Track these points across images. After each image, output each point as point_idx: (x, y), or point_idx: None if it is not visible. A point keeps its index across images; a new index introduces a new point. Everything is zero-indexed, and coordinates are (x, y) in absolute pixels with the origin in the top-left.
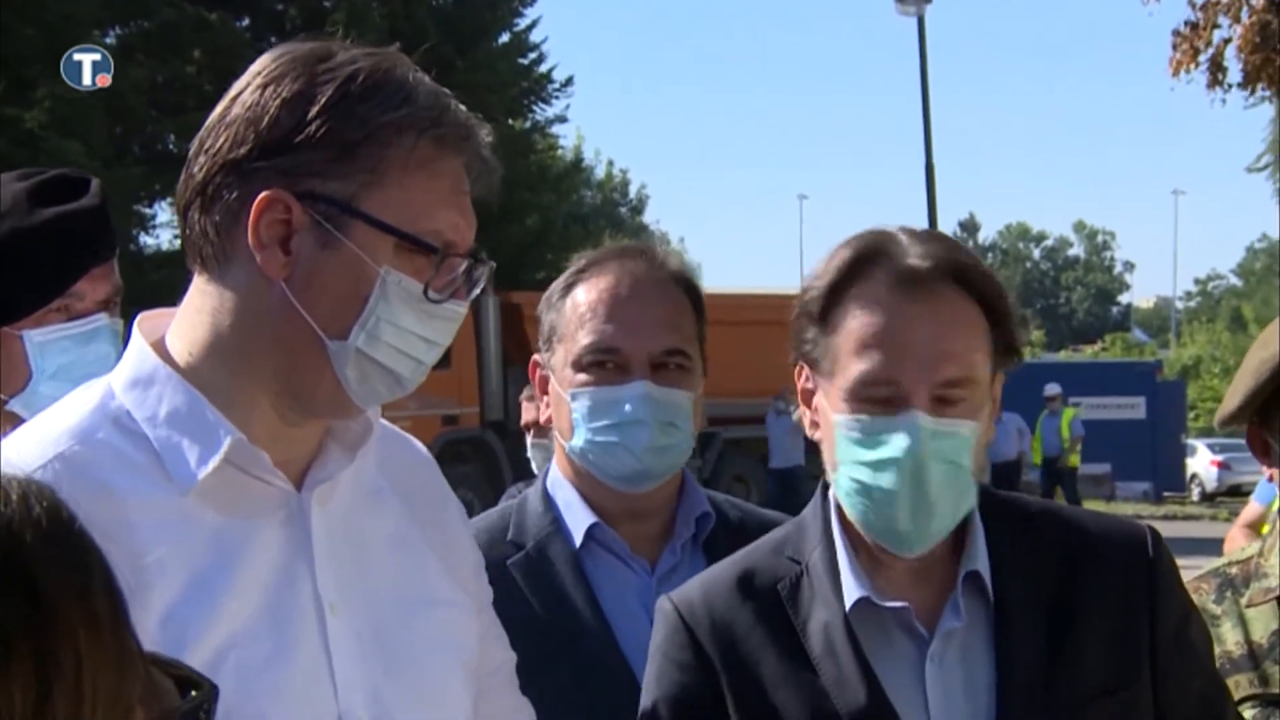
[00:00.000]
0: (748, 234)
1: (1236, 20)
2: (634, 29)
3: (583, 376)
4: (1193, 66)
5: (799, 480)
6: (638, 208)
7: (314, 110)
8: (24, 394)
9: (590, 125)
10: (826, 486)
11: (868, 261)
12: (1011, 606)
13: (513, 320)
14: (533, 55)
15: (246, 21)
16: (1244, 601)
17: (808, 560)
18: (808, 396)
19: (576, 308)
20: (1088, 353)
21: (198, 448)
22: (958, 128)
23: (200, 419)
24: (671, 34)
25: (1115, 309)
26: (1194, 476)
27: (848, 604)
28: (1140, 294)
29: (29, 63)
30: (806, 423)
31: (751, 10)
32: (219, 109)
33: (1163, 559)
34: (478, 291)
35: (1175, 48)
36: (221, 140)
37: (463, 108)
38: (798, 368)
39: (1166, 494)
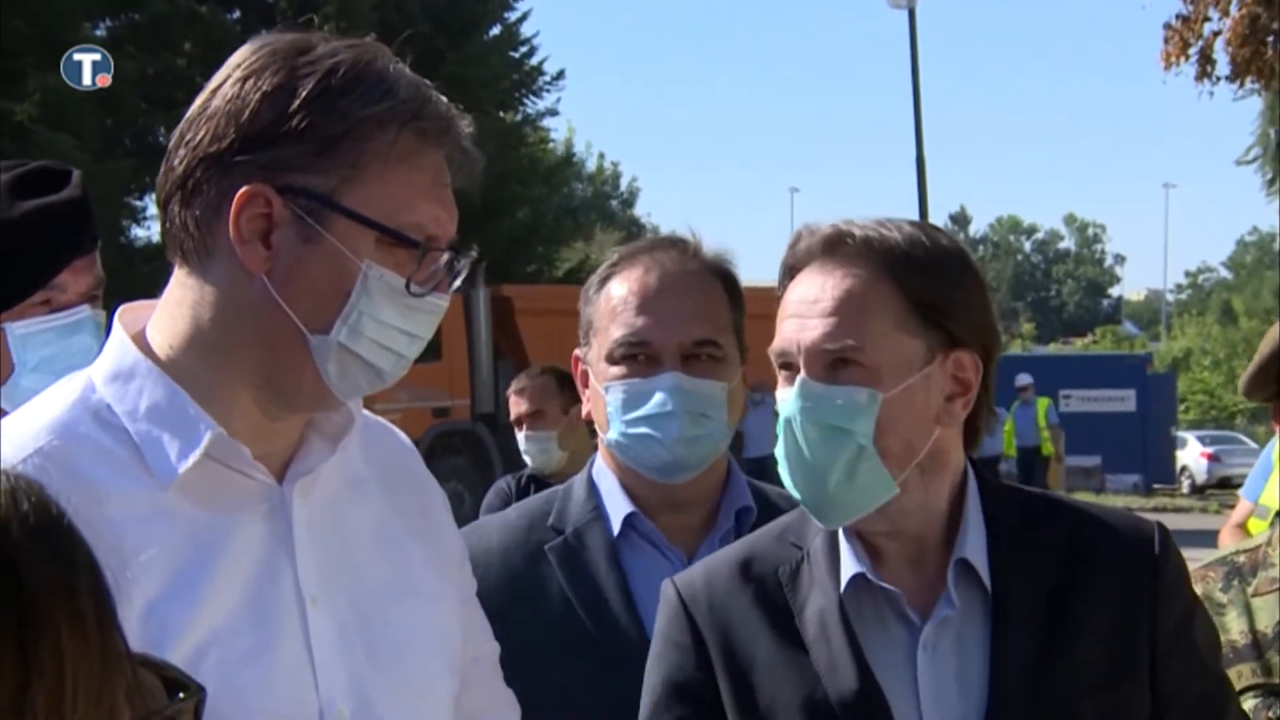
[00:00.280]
0: (739, 227)
1: (1226, 13)
2: (626, 22)
3: (615, 369)
4: (1183, 60)
5: (773, 468)
6: (629, 201)
7: (295, 104)
8: (6, 387)
9: (581, 118)
10: None
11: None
12: (1009, 598)
13: (504, 313)
14: (524, 48)
15: (237, 14)
16: (1250, 590)
17: (810, 546)
18: None
19: (609, 301)
20: (1078, 345)
21: (178, 442)
22: (948, 121)
23: (181, 413)
24: (663, 27)
25: (1106, 302)
26: (1184, 469)
27: (843, 582)
28: (1131, 287)
29: (20, 55)
30: None
31: (743, 3)
32: (199, 101)
33: (1169, 557)
34: (459, 283)
35: (1166, 41)
36: (202, 133)
37: (443, 99)
38: None
39: (1156, 486)
